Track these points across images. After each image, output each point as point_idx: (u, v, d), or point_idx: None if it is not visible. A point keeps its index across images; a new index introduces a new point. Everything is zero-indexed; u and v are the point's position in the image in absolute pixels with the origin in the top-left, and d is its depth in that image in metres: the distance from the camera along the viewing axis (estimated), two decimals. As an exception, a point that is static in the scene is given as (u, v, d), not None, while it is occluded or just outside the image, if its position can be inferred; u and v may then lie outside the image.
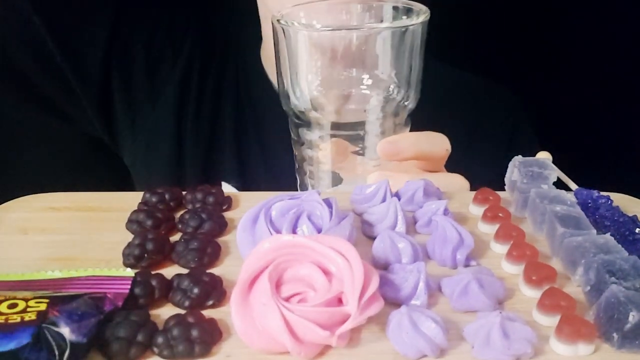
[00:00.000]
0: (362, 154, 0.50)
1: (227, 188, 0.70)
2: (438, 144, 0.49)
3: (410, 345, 0.30)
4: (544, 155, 0.46)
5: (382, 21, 0.51)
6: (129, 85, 0.70)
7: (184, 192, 0.45)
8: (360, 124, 0.49)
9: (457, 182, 0.50)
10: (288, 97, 0.50)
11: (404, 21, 0.47)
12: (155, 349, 0.30)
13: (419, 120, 0.69)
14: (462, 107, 0.73)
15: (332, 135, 0.50)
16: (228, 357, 0.30)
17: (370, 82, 0.49)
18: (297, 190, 0.55)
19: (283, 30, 0.46)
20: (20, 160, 0.82)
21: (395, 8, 0.51)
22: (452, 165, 0.70)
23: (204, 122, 0.71)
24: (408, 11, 0.49)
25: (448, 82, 0.74)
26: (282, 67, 0.49)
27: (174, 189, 0.44)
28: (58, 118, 0.75)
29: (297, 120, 0.51)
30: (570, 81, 0.91)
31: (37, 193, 0.45)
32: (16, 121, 0.74)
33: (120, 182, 0.82)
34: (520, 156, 0.46)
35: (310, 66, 0.49)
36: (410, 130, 0.53)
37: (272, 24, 0.47)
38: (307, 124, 0.50)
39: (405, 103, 0.50)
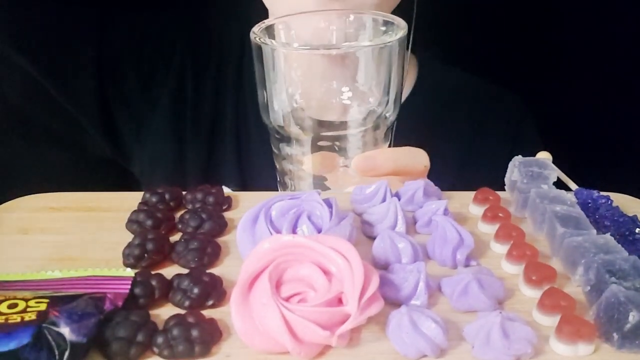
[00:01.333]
0: (348, 167, 0.50)
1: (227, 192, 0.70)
2: (416, 159, 0.49)
3: (410, 345, 0.30)
4: (544, 155, 0.46)
5: (364, 29, 0.51)
6: (126, 101, 0.70)
7: (184, 192, 0.45)
8: (341, 138, 0.49)
9: None
10: (268, 111, 0.49)
11: (382, 39, 0.47)
12: (155, 349, 0.30)
13: (422, 122, 0.69)
14: (466, 109, 0.73)
15: (313, 149, 0.49)
16: (228, 357, 0.30)
17: (350, 94, 0.49)
18: None
19: (260, 46, 0.46)
20: (20, 160, 0.82)
21: (375, 20, 0.51)
22: (457, 166, 0.70)
23: (204, 126, 0.70)
24: (387, 23, 0.49)
25: (451, 83, 0.74)
26: (262, 81, 0.48)
27: (174, 189, 0.44)
28: (71, 152, 0.76)
29: (277, 135, 0.50)
30: (571, 82, 0.90)
31: (37, 193, 0.45)
32: (16, 122, 0.74)
33: (120, 182, 0.82)
34: (520, 156, 0.46)
35: (289, 81, 0.48)
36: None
37: (251, 41, 0.47)
38: (287, 139, 0.50)
39: (386, 115, 0.50)
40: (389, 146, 0.53)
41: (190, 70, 0.70)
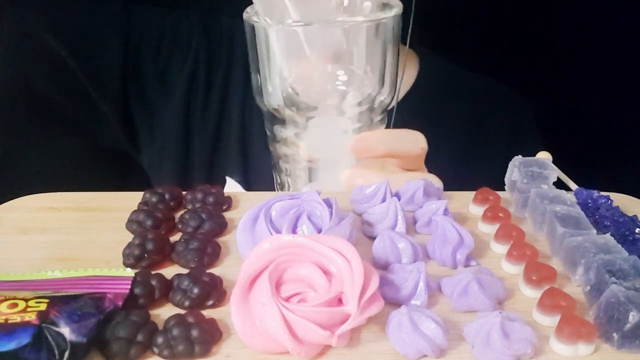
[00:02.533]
0: None
1: (231, 183, 0.70)
2: (412, 141, 0.48)
3: (410, 345, 0.30)
4: (544, 155, 0.46)
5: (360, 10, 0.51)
6: (143, 91, 0.72)
7: (184, 192, 0.45)
8: (337, 121, 0.49)
9: None
10: (262, 94, 0.49)
11: (377, 15, 0.47)
12: (155, 349, 0.30)
13: (422, 118, 0.68)
14: (466, 105, 0.73)
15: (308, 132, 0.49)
16: (228, 357, 0.30)
17: (345, 77, 0.49)
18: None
19: (254, 26, 0.46)
20: (20, 160, 0.82)
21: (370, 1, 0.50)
22: (456, 161, 0.70)
23: (211, 120, 0.72)
24: (382, 5, 0.49)
25: (452, 79, 0.74)
26: (255, 63, 0.48)
27: (174, 188, 0.44)
28: (83, 137, 0.77)
29: (271, 118, 0.50)
30: (572, 80, 0.90)
31: (37, 193, 0.45)
32: (33, 106, 0.75)
33: (120, 182, 0.82)
34: (520, 156, 0.46)
35: (284, 62, 0.48)
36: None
37: (244, 20, 0.47)
38: (282, 121, 0.49)
39: (382, 98, 0.50)
40: None
41: (203, 64, 0.72)
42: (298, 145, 0.50)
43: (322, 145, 0.51)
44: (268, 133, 0.52)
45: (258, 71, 0.48)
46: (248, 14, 0.47)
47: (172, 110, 0.72)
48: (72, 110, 0.72)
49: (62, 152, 0.81)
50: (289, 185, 0.53)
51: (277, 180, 0.55)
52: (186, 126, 0.72)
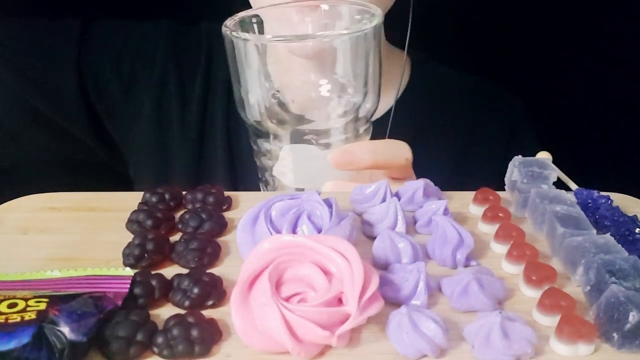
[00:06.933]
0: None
1: None
2: (397, 152, 0.47)
3: (410, 345, 0.30)
4: (544, 155, 0.46)
5: (340, 19, 0.50)
6: (110, 108, 0.70)
7: (184, 192, 0.45)
8: (321, 132, 0.48)
9: None
10: (244, 107, 0.48)
11: (358, 27, 0.46)
12: (155, 349, 0.30)
13: (415, 123, 0.68)
14: (461, 108, 0.73)
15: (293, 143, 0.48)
16: (228, 357, 0.30)
17: (329, 86, 0.48)
18: None
19: (232, 40, 0.45)
20: (20, 160, 0.82)
21: (350, 9, 0.50)
22: (453, 165, 0.70)
23: (192, 129, 0.70)
24: (362, 12, 0.48)
25: (446, 83, 0.74)
26: (235, 76, 0.47)
27: (174, 188, 0.44)
28: (67, 160, 0.77)
29: (254, 131, 0.49)
30: (571, 81, 0.91)
31: (37, 193, 0.45)
32: (16, 122, 0.74)
33: (120, 182, 0.82)
34: (520, 156, 0.46)
35: (264, 75, 0.47)
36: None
37: (223, 34, 0.46)
38: (265, 135, 0.48)
39: (367, 106, 0.49)
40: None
41: (174, 75, 0.70)
42: (281, 159, 0.49)
43: (307, 176, 0.50)
44: (253, 146, 0.51)
45: (239, 83, 0.47)
46: (227, 28, 0.46)
47: (145, 124, 0.70)
48: (44, 138, 0.71)
49: (60, 154, 0.81)
50: None
51: (263, 191, 0.54)
52: (162, 139, 0.70)
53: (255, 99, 0.48)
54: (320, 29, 0.50)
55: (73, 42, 0.67)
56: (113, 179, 0.83)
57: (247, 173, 0.69)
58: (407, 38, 0.56)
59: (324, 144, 0.48)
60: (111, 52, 0.69)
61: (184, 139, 0.70)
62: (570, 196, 0.42)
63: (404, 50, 0.58)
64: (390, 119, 0.58)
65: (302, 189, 0.50)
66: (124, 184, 0.79)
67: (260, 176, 0.53)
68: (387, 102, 0.63)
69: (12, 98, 0.67)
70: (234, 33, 0.45)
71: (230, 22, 0.47)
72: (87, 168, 0.84)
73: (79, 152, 0.74)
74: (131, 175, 0.76)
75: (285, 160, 0.49)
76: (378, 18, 0.46)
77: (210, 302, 0.33)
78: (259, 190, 0.56)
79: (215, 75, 0.71)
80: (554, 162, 0.45)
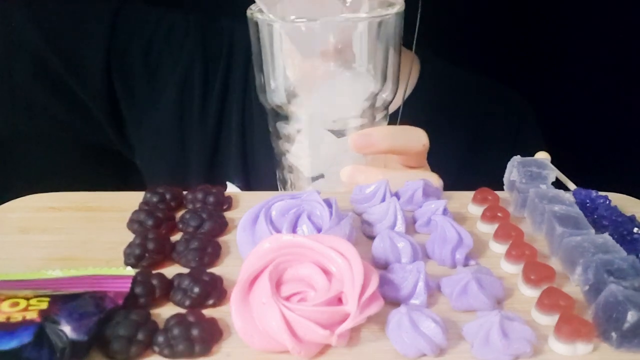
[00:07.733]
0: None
1: (231, 188, 0.70)
2: (414, 138, 0.48)
3: (409, 345, 0.30)
4: (543, 156, 0.47)
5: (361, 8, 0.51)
6: (131, 90, 0.71)
7: (184, 192, 0.45)
8: (340, 119, 0.49)
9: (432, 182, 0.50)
10: (265, 91, 0.49)
11: (379, 11, 0.47)
12: (156, 348, 0.30)
13: (423, 121, 0.69)
14: (468, 107, 0.73)
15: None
16: (228, 357, 0.30)
17: (348, 75, 0.49)
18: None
19: (258, 23, 0.46)
20: (20, 160, 0.82)
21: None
22: (460, 164, 0.70)
23: (210, 122, 0.71)
24: (384, 4, 0.49)
25: (453, 82, 0.74)
26: (258, 60, 0.48)
27: (175, 188, 0.44)
28: (72, 135, 0.77)
29: (274, 115, 0.50)
30: (572, 82, 0.91)
31: (37, 193, 0.45)
32: (22, 107, 0.75)
33: (120, 182, 0.82)
34: (519, 156, 0.46)
35: (287, 59, 0.48)
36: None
37: (248, 17, 0.47)
38: (285, 118, 0.49)
39: (384, 95, 0.50)
40: None
41: (199, 65, 0.71)
42: (299, 141, 0.49)
43: (323, 160, 0.51)
44: (270, 129, 0.52)
45: (261, 68, 0.48)
46: (252, 10, 0.47)
47: (165, 110, 0.71)
48: (57, 108, 0.71)
49: (60, 152, 0.81)
50: (291, 182, 0.54)
51: (279, 176, 0.55)
52: (181, 126, 0.71)
53: (277, 82, 0.48)
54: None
55: (106, 20, 0.69)
56: (113, 179, 0.83)
57: (260, 170, 0.70)
58: (415, 36, 0.57)
59: (340, 130, 0.49)
60: (142, 35, 0.70)
61: (202, 130, 0.71)
62: (569, 196, 0.42)
63: (411, 49, 0.58)
64: (399, 115, 0.59)
65: (317, 177, 0.51)
66: (124, 184, 0.79)
67: (276, 160, 0.54)
68: (396, 99, 0.63)
69: (37, 66, 0.67)
70: (258, 14, 0.45)
71: (255, 6, 0.48)
72: (87, 168, 0.84)
73: (88, 129, 0.74)
74: (138, 163, 0.76)
75: (302, 144, 0.49)
76: (399, 6, 0.47)
77: (210, 302, 0.33)
78: (270, 181, 0.57)
79: (235, 71, 0.72)
80: (555, 162, 0.45)
